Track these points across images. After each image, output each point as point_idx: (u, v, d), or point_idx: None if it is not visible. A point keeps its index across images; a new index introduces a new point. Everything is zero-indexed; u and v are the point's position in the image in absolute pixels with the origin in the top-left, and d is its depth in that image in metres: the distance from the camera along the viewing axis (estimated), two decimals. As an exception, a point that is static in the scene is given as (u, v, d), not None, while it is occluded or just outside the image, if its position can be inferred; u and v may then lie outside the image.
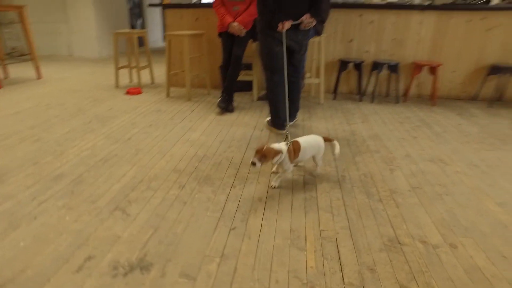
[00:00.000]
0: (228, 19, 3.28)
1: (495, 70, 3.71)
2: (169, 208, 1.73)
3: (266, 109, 3.45)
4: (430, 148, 2.51)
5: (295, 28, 2.48)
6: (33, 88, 4.43)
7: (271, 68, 2.64)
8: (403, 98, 3.83)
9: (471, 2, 4.03)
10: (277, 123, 2.74)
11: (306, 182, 2.01)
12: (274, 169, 2.09)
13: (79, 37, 7.63)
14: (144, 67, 4.48)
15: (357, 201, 1.81)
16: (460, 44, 3.78)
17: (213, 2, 3.38)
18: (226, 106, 3.28)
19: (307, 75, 3.77)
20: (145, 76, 5.11)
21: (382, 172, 2.14)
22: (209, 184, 1.96)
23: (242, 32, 3.27)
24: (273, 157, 1.78)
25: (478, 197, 1.85)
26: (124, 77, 5.00)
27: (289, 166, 1.89)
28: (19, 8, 4.79)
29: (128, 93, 4.05)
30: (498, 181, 2.02)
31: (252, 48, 3.57)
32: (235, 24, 3.25)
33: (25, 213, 1.69)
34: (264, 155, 1.73)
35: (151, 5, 4.40)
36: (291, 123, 2.89)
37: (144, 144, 2.54)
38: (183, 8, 4.16)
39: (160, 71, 5.57)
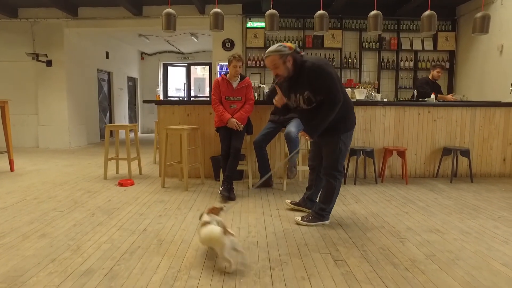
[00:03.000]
0: (227, 115, 3.67)
1: (446, 151, 4.44)
2: (221, 294, 1.76)
3: (264, 196, 3.66)
4: (423, 221, 2.86)
5: None
6: (10, 182, 4.24)
7: (343, 168, 2.73)
8: (380, 178, 4.33)
9: (415, 100, 4.99)
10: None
11: (335, 258, 2.17)
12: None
13: (48, 128, 7.60)
14: (134, 159, 4.58)
15: (388, 272, 1.99)
16: (416, 131, 4.53)
17: (212, 101, 3.80)
18: (229, 195, 3.45)
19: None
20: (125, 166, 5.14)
21: (395, 244, 2.39)
22: (248, 268, 2.04)
23: (240, 127, 3.66)
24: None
25: (484, 260, 2.14)
26: (109, 168, 4.99)
27: None
28: (3, 103, 4.84)
29: (121, 184, 4.05)
30: (492, 245, 2.37)
31: (246, 140, 3.92)
32: (234, 120, 3.65)
33: (70, 313, 1.62)
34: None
35: (145, 101, 4.73)
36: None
37: (164, 235, 2.56)
38: (174, 105, 4.54)
39: (142, 160, 5.63)
